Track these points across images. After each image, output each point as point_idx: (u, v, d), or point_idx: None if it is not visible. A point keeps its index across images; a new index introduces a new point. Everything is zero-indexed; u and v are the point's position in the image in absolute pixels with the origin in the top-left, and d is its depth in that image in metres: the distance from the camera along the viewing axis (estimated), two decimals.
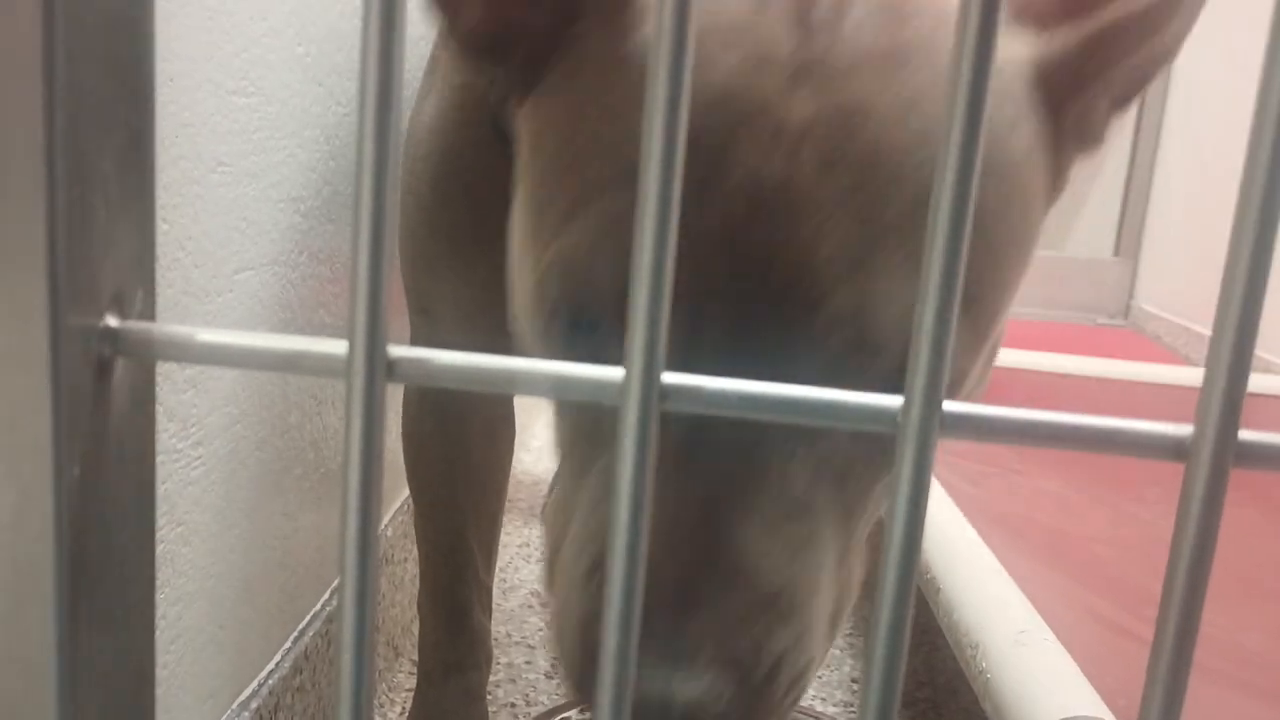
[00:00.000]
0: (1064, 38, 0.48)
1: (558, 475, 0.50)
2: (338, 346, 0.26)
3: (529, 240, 0.47)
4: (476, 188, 0.62)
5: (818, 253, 0.41)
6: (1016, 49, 0.48)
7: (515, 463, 1.65)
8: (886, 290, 0.41)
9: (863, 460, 0.45)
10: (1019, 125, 0.47)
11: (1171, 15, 0.48)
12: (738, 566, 0.41)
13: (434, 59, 0.68)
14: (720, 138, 0.42)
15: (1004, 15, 0.51)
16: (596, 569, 0.43)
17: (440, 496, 0.81)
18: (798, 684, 0.43)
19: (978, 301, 0.45)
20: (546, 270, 0.44)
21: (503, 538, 1.38)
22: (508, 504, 1.50)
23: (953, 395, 0.50)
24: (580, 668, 0.42)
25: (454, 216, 0.65)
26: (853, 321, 0.41)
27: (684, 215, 0.41)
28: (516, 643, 1.10)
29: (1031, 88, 0.48)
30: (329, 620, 0.86)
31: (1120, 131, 2.41)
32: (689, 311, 0.41)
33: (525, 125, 0.49)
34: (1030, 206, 0.48)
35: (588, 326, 0.43)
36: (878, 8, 0.45)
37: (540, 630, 1.13)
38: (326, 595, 0.87)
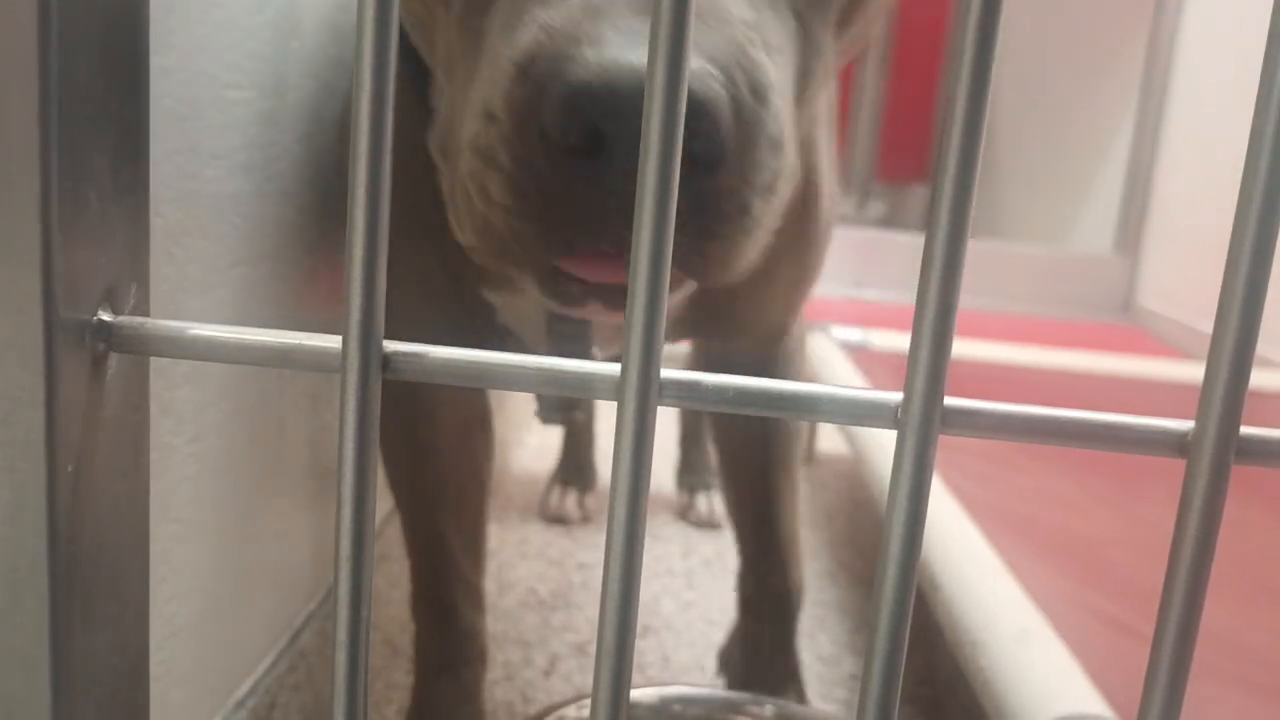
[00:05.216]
0: None
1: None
2: (332, 341, 0.26)
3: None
4: (420, 161, 0.59)
5: None
6: None
7: (512, 460, 1.66)
8: None
9: None
10: None
11: None
12: None
13: None
14: None
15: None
16: (516, 28, 0.39)
17: (417, 497, 0.80)
18: (777, 153, 0.41)
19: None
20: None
21: (499, 536, 1.38)
22: (505, 502, 1.50)
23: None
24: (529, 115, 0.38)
25: (398, 192, 0.62)
26: None
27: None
28: (513, 640, 1.10)
29: None
30: (326, 618, 0.86)
31: (1122, 125, 2.41)
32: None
33: None
34: None
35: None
36: None
37: (537, 628, 1.13)
38: (323, 593, 0.87)
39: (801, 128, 0.47)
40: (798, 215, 0.63)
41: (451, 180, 0.45)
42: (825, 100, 0.62)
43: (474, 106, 0.42)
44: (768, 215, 0.42)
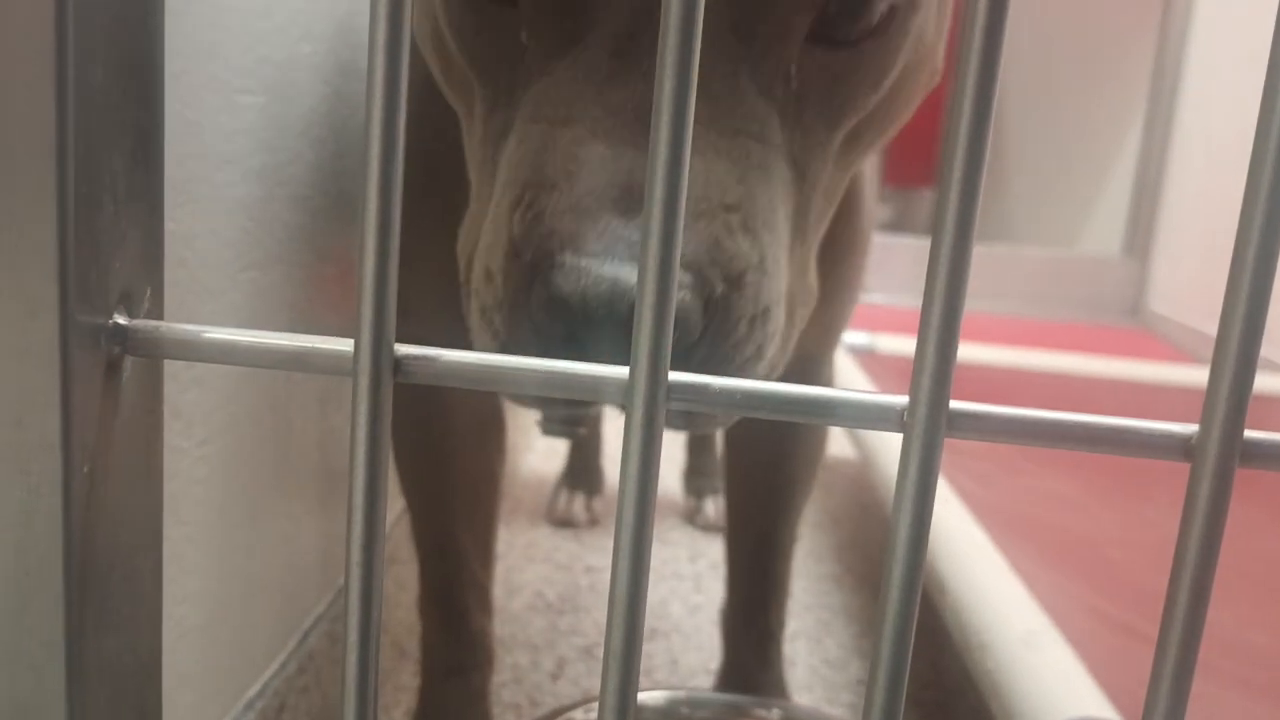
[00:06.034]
0: None
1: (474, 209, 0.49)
2: (344, 345, 0.26)
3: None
4: (441, 163, 0.60)
5: None
6: None
7: (520, 463, 1.66)
8: None
9: (821, 84, 0.45)
10: None
11: None
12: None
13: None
14: None
15: None
16: (519, 204, 0.42)
17: (430, 499, 0.80)
18: (759, 325, 0.43)
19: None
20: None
21: (507, 539, 1.38)
22: (513, 506, 1.50)
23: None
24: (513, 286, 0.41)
25: (420, 193, 0.62)
26: None
27: None
28: (521, 644, 1.10)
29: None
30: (334, 620, 0.86)
31: (1131, 129, 2.41)
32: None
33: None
34: None
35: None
36: None
37: (545, 631, 1.14)
38: (332, 595, 0.88)
39: (808, 248, 0.50)
40: (838, 243, 0.63)
41: (468, 302, 0.47)
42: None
43: (482, 250, 0.44)
44: (757, 374, 0.44)
